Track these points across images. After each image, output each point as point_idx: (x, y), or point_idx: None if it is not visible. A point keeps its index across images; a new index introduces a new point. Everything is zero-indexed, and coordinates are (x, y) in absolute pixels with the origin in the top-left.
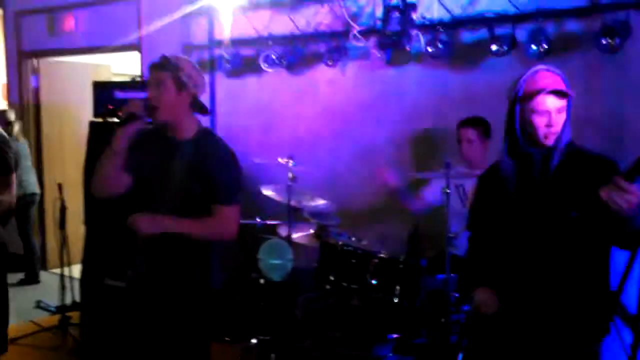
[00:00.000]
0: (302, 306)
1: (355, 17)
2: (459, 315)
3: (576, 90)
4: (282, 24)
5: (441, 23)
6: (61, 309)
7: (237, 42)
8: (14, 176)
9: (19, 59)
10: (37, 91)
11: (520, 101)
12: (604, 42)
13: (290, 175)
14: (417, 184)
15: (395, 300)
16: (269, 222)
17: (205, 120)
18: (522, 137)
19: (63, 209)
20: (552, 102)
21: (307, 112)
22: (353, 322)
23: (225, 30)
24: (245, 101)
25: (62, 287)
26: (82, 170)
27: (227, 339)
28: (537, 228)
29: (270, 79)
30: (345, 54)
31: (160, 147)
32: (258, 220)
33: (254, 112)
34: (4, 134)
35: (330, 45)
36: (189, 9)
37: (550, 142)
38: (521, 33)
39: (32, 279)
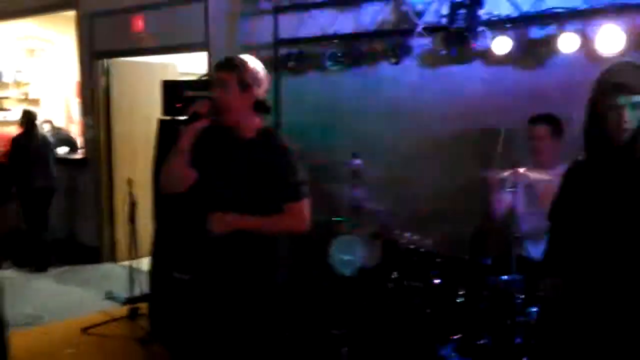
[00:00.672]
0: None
1: (419, 14)
2: (524, 317)
3: None
4: (347, 22)
5: (509, 19)
6: (130, 300)
7: (301, 41)
8: None
9: (91, 59)
10: (107, 90)
11: (602, 96)
12: None
13: (353, 173)
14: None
15: (459, 300)
16: (333, 219)
17: (268, 119)
18: (602, 133)
19: (133, 204)
20: (632, 99)
21: (370, 110)
22: (415, 321)
23: (290, 29)
24: (308, 99)
25: (131, 280)
26: (151, 167)
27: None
28: (618, 225)
29: (333, 77)
30: (410, 51)
31: (223, 146)
32: (320, 218)
33: (317, 110)
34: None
35: (394, 43)
36: (255, 8)
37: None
38: (592, 29)
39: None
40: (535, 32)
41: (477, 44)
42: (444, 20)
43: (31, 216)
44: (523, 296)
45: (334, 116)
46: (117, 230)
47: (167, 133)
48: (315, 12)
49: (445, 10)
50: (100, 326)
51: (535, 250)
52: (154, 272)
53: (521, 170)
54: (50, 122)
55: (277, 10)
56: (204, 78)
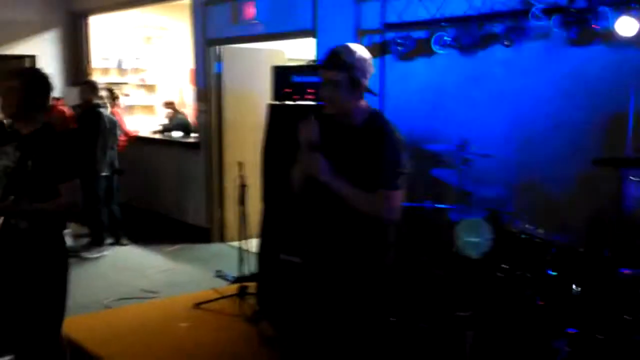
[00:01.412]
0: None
1: None
2: None
3: None
4: (456, 5)
5: None
6: (239, 279)
7: (409, 25)
8: None
9: (205, 47)
10: (219, 76)
11: None
12: None
13: (462, 159)
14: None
15: (574, 293)
16: (439, 205)
17: (374, 103)
18: None
19: (243, 187)
20: None
21: (479, 94)
22: (527, 313)
23: (398, 14)
24: (414, 84)
25: (240, 259)
26: (260, 151)
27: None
28: None
29: (441, 62)
30: (524, 34)
31: (331, 133)
32: (428, 203)
33: (424, 95)
34: None
35: (508, 25)
36: None
37: None
38: None
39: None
40: None
41: (599, 25)
42: (562, 0)
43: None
44: None
45: (442, 101)
46: (227, 212)
47: (276, 117)
48: None
49: None
50: (211, 302)
51: None
52: (261, 252)
53: None
54: (172, 104)
55: None
56: (312, 63)
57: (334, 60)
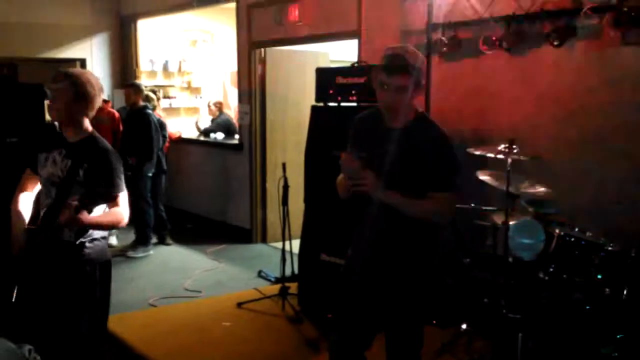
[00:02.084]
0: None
1: None
2: None
3: None
4: (504, 4)
5: None
6: (281, 279)
7: (455, 25)
8: None
9: (249, 49)
10: (263, 78)
11: None
12: None
13: (509, 160)
14: None
15: (624, 297)
16: (484, 207)
17: (419, 104)
18: None
19: (286, 187)
20: None
21: (527, 95)
22: (574, 317)
23: (444, 14)
24: (460, 85)
25: (283, 260)
26: (302, 151)
27: (434, 322)
28: None
29: (488, 62)
30: (574, 33)
31: (378, 133)
32: (473, 205)
33: (470, 96)
34: None
35: (557, 25)
36: None
37: None
38: None
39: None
40: None
41: None
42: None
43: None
44: None
45: (489, 102)
46: (269, 212)
47: (319, 118)
48: None
49: None
50: (253, 302)
51: None
52: (303, 253)
53: None
54: (220, 104)
55: None
56: (356, 65)
57: (402, 64)
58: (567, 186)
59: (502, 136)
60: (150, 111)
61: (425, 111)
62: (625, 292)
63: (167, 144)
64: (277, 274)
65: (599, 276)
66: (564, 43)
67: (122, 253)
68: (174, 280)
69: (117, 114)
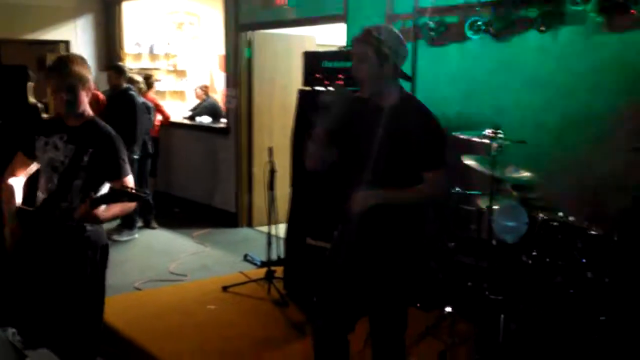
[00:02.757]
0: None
1: None
2: None
3: None
4: None
5: None
6: (266, 263)
7: (441, 10)
8: None
9: (236, 32)
10: (250, 62)
11: None
12: None
13: (494, 145)
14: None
15: (607, 280)
16: (469, 192)
17: (406, 88)
18: None
19: (272, 172)
20: None
21: (512, 80)
22: (556, 299)
23: None
24: (446, 70)
25: (268, 244)
26: (289, 136)
27: (418, 305)
28: None
29: (474, 47)
30: (560, 19)
31: (364, 114)
32: (457, 189)
33: (456, 80)
34: None
35: (544, 10)
36: None
37: None
38: None
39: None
40: None
41: (637, 10)
42: None
43: None
44: None
45: (474, 87)
46: (255, 197)
47: (306, 102)
48: None
49: None
50: (239, 285)
51: None
52: (289, 237)
53: None
54: (207, 88)
55: None
56: (343, 49)
57: (363, 34)
58: (552, 170)
59: (488, 121)
60: (133, 93)
61: (410, 93)
62: (607, 275)
63: (156, 128)
64: (263, 257)
65: (583, 260)
66: (550, 29)
67: (107, 236)
68: (159, 263)
69: (101, 96)
